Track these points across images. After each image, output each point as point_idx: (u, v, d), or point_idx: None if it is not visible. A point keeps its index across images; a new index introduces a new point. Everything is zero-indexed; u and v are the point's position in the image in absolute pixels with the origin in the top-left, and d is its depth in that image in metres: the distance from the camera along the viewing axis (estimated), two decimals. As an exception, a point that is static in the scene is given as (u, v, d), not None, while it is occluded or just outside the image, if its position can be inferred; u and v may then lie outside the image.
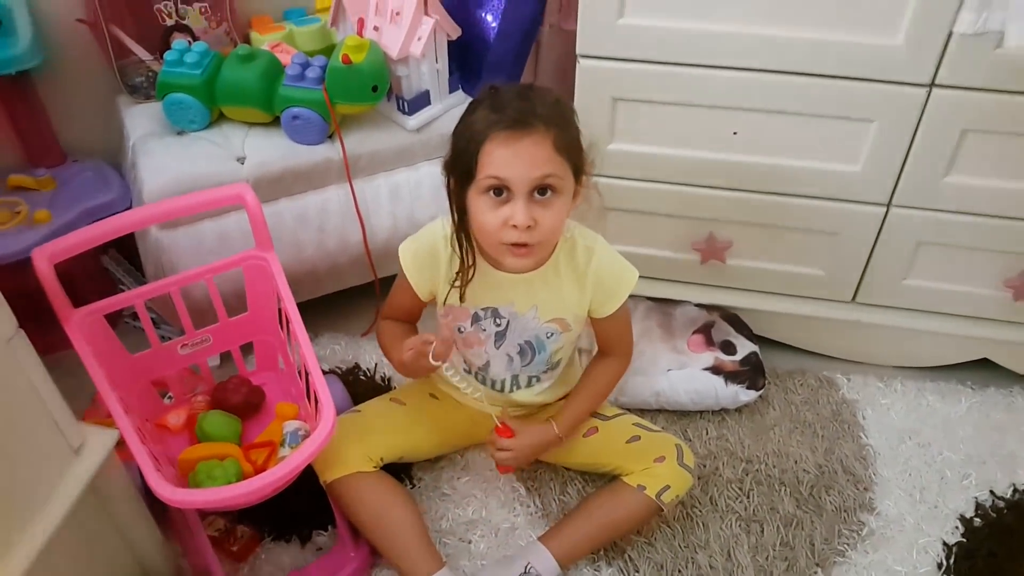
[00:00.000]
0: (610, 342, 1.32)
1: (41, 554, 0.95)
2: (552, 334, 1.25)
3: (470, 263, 1.18)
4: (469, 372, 1.33)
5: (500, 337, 1.26)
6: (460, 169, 1.10)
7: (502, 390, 1.33)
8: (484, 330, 1.25)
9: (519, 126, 1.05)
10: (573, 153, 1.10)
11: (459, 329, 1.26)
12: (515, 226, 1.06)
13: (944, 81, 1.27)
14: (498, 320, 1.24)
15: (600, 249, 1.22)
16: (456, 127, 1.12)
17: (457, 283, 1.20)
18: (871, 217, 1.45)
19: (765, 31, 1.29)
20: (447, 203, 1.15)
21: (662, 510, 1.27)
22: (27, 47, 1.49)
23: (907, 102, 1.31)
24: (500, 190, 1.07)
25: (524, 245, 1.10)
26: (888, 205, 1.43)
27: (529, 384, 1.33)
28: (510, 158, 1.05)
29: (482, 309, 1.23)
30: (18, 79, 1.53)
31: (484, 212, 1.09)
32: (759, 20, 1.28)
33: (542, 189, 1.07)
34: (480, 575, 1.26)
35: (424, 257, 1.22)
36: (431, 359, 1.13)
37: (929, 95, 1.29)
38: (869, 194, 1.43)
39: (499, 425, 1.28)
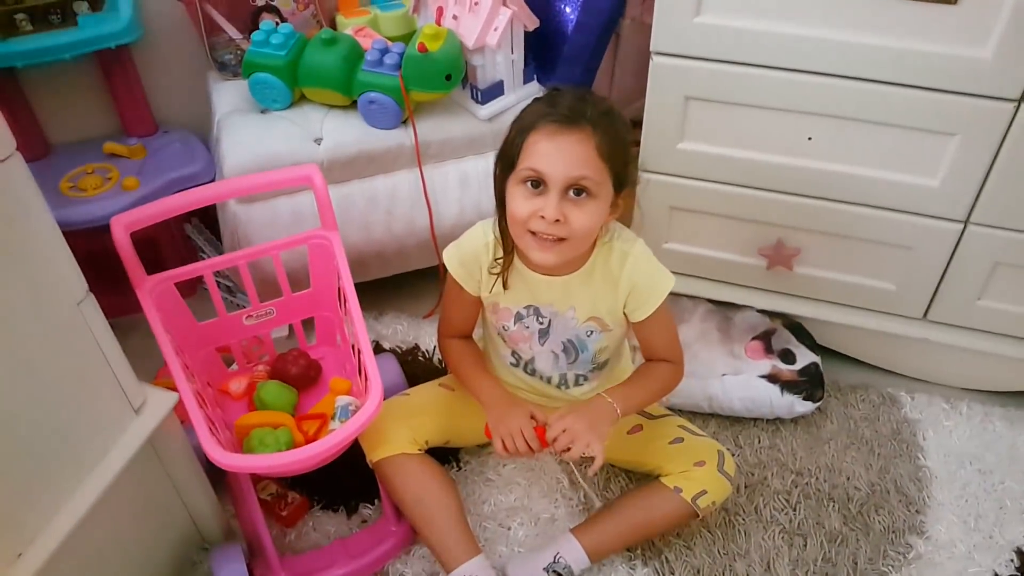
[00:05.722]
0: (653, 348, 1.29)
1: (100, 500, 1.03)
2: (592, 332, 1.26)
3: (510, 249, 1.21)
4: (517, 365, 1.34)
5: (543, 335, 1.27)
6: (505, 158, 1.13)
7: (549, 383, 1.35)
8: (528, 327, 1.27)
9: (566, 122, 1.07)
10: (615, 162, 1.10)
11: (504, 327, 1.28)
12: (543, 217, 1.08)
13: (1033, 96, 1.21)
14: (540, 318, 1.25)
15: (636, 253, 1.21)
16: (513, 120, 1.15)
17: (496, 271, 1.22)
18: (947, 233, 1.40)
19: (847, 37, 1.25)
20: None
21: (697, 515, 1.26)
22: (127, 23, 1.57)
23: (992, 117, 1.26)
24: (537, 182, 1.09)
25: (550, 239, 1.10)
26: (966, 222, 1.38)
27: (577, 383, 1.34)
28: (551, 152, 1.07)
29: (524, 308, 1.25)
30: (117, 53, 1.61)
31: (517, 200, 1.11)
32: (841, 25, 1.25)
33: (577, 189, 1.08)
34: (511, 561, 1.29)
35: (469, 263, 1.25)
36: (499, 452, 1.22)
37: (1017, 111, 1.23)
38: (946, 210, 1.37)
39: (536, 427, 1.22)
